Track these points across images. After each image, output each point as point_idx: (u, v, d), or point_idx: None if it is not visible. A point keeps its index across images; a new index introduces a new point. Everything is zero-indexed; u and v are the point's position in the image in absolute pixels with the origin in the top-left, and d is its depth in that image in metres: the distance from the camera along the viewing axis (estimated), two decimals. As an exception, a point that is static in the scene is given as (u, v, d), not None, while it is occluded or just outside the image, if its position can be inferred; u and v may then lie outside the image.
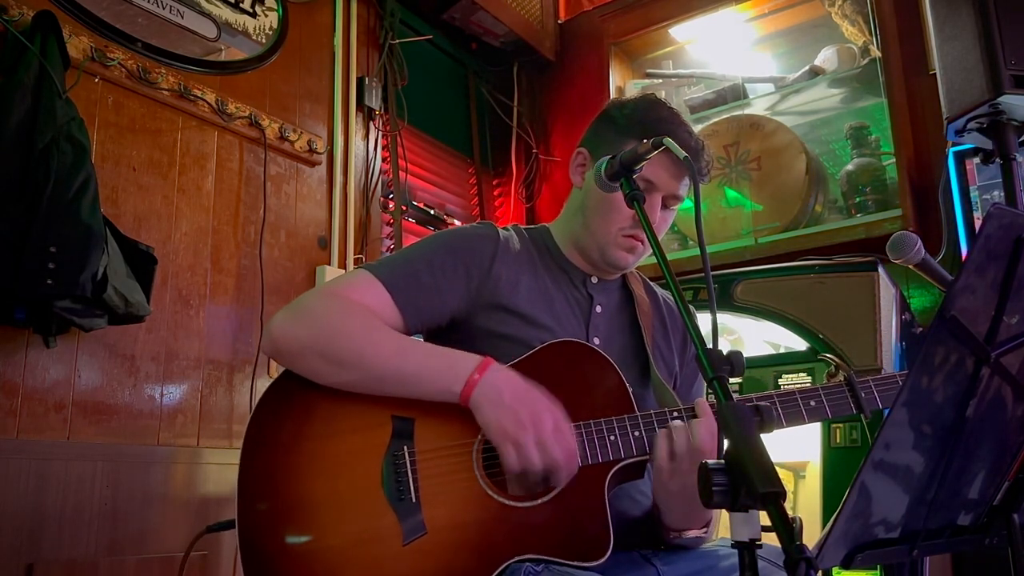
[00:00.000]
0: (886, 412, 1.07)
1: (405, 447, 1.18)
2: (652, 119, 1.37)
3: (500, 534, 1.13)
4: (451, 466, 1.18)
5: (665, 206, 1.39)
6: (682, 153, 1.08)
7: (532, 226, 1.50)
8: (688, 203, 3.28)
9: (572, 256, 1.44)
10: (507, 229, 1.43)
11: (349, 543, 1.14)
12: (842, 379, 1.24)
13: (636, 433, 1.17)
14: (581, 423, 1.18)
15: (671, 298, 1.53)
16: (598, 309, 1.41)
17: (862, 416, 1.25)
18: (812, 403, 1.21)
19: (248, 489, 1.17)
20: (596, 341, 1.35)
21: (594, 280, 1.44)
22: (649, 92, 1.49)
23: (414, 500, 1.15)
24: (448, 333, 1.33)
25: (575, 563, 1.10)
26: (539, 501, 1.15)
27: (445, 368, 1.17)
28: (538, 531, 1.13)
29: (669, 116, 1.38)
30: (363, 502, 1.15)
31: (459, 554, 1.13)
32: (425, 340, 1.37)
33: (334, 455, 1.19)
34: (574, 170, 1.46)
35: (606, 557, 1.10)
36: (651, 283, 1.54)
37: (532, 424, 1.11)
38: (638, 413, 1.19)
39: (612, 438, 1.17)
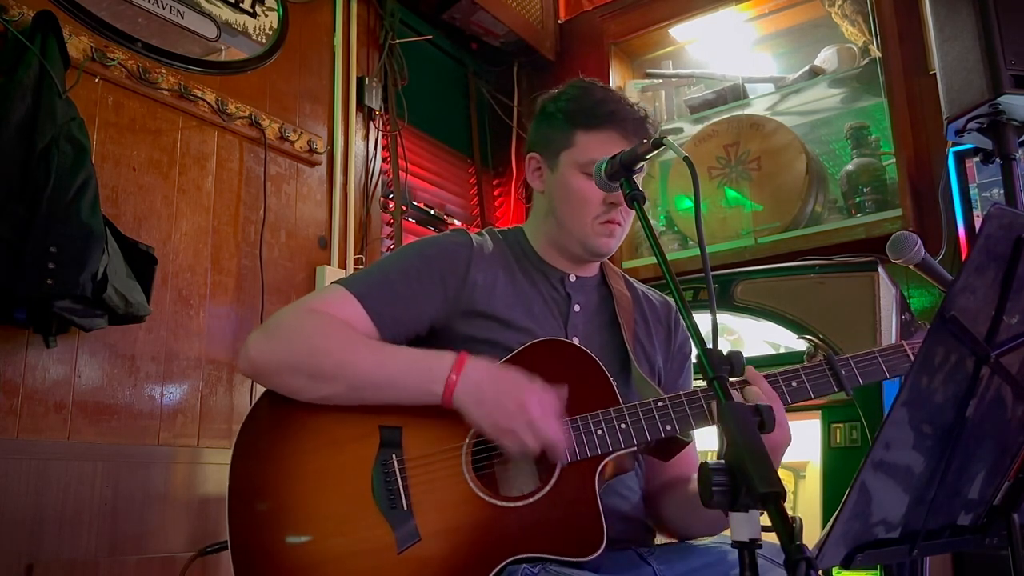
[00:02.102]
0: (886, 412, 1.07)
1: (394, 456, 1.19)
2: (590, 103, 1.37)
3: (494, 535, 1.13)
4: (440, 471, 1.18)
5: None
6: (682, 153, 1.08)
7: (506, 228, 1.49)
8: (688, 203, 3.28)
9: (549, 256, 1.43)
10: (480, 234, 1.43)
11: (344, 556, 1.14)
12: (822, 358, 1.24)
13: (623, 425, 1.18)
14: (567, 419, 1.18)
15: (653, 293, 1.54)
16: (576, 308, 1.40)
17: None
18: (794, 383, 1.22)
19: (238, 510, 1.17)
20: (576, 340, 1.35)
21: (572, 279, 1.43)
22: (585, 83, 1.43)
23: (406, 508, 1.16)
24: (428, 342, 1.33)
25: (571, 559, 1.10)
26: (531, 500, 1.15)
27: (424, 372, 1.18)
28: (531, 530, 1.13)
29: (605, 96, 1.38)
30: (355, 514, 1.16)
31: (455, 558, 1.13)
32: None
33: (323, 469, 1.19)
34: (532, 176, 1.46)
35: (600, 550, 1.10)
36: (631, 279, 1.54)
37: (519, 410, 1.12)
38: (623, 405, 1.20)
39: (599, 432, 1.17)
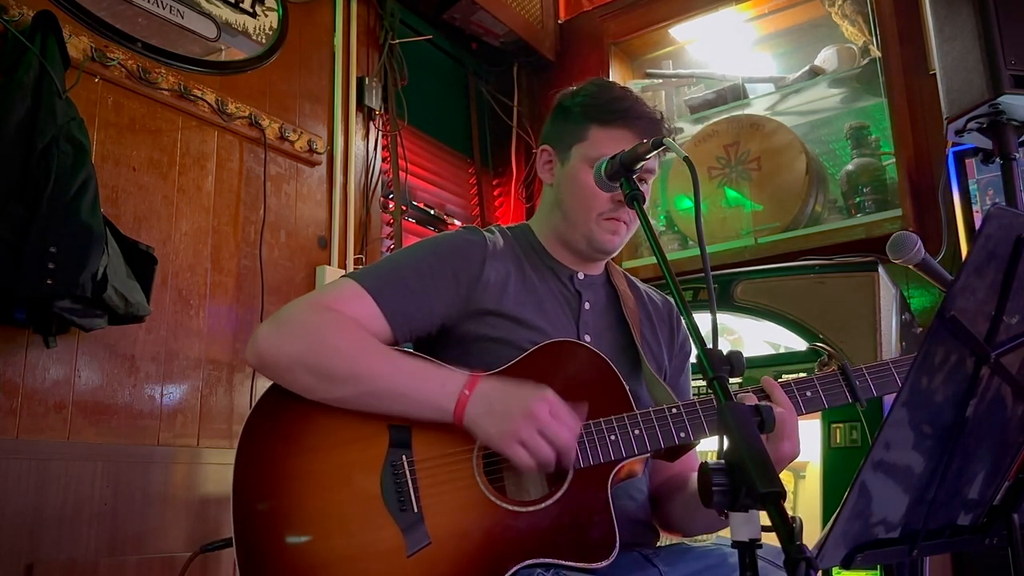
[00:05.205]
0: (886, 412, 1.07)
1: (404, 456, 1.16)
2: (606, 100, 1.38)
3: (505, 540, 1.12)
4: (451, 474, 1.16)
5: (641, 180, 1.39)
6: (682, 153, 1.08)
7: (514, 225, 1.48)
8: (688, 203, 3.28)
9: (556, 252, 1.43)
10: (491, 231, 1.41)
11: (352, 557, 1.12)
12: (835, 368, 1.23)
13: (636, 432, 1.17)
14: (580, 425, 1.17)
15: (654, 292, 1.53)
16: (587, 306, 1.39)
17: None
18: (808, 393, 1.21)
19: (244, 507, 1.15)
20: (587, 338, 1.34)
21: (581, 276, 1.42)
22: (605, 82, 1.48)
23: (416, 510, 1.14)
24: (438, 340, 1.32)
25: (582, 565, 1.09)
26: (542, 505, 1.14)
27: (437, 388, 1.16)
28: (543, 535, 1.12)
29: (622, 94, 1.39)
30: (364, 514, 1.13)
31: (465, 563, 1.11)
32: (415, 347, 1.35)
33: (331, 468, 1.17)
34: (542, 168, 1.46)
35: (613, 557, 1.09)
36: (632, 278, 1.53)
37: (527, 417, 1.10)
38: (637, 412, 1.19)
39: (612, 438, 1.16)
